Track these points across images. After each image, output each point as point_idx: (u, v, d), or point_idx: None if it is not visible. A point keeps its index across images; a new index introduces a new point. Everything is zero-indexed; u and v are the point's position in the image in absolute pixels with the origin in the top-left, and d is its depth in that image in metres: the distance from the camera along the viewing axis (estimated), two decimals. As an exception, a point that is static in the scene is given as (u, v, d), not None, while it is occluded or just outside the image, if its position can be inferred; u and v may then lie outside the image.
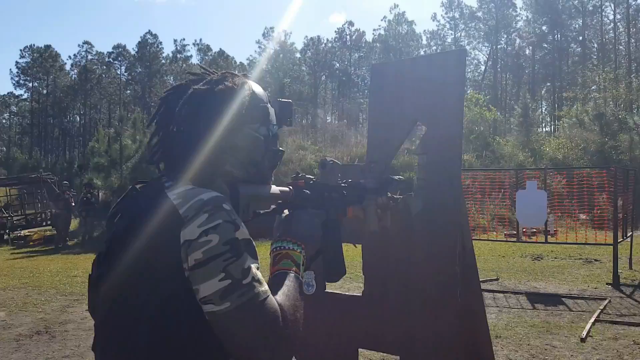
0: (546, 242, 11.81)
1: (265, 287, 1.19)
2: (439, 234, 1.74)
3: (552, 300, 8.42)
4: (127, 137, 19.97)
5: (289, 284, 1.28)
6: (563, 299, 8.54)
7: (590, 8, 55.50)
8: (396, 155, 1.99)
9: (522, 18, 60.28)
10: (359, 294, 2.04)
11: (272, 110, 1.45)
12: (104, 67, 68.75)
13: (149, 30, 74.27)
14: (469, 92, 43.25)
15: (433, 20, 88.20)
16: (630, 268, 11.17)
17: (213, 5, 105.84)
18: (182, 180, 1.28)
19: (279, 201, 1.46)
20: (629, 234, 11.46)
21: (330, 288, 2.09)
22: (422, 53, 61.53)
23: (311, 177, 1.54)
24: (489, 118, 30.56)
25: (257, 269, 1.19)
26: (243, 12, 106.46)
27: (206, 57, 65.46)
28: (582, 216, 17.76)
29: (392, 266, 1.84)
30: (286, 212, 1.47)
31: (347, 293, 2.05)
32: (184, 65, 64.01)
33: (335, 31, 66.21)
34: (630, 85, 35.90)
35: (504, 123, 36.34)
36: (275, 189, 1.45)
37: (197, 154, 1.32)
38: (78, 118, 70.88)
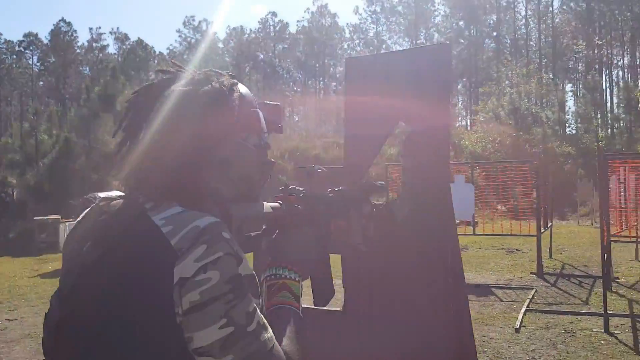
0: (474, 234, 12.20)
1: (271, 332, 1.02)
2: (428, 241, 1.63)
3: (483, 291, 8.66)
4: (43, 131, 18.87)
5: (291, 324, 1.12)
6: (492, 289, 8.81)
7: (504, 4, 57.77)
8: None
9: (439, 13, 61.99)
10: (338, 309, 1.90)
11: (262, 116, 1.25)
12: (14, 56, 64.82)
13: (62, 18, 70.57)
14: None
15: (355, 14, 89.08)
16: (551, 257, 11.71)
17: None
18: (164, 201, 1.05)
19: (268, 220, 1.29)
20: (549, 225, 11.99)
21: (305, 303, 1.94)
22: (345, 46, 62.14)
23: (301, 189, 1.38)
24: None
25: (260, 308, 1.03)
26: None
27: (124, 47, 63.14)
28: (502, 207, 18.53)
29: (377, 278, 1.71)
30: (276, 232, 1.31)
31: (325, 308, 1.91)
32: (101, 54, 61.45)
33: (259, 21, 65.46)
34: (541, 80, 37.75)
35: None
36: (267, 206, 1.27)
37: (178, 170, 1.08)
38: (-15, 111, 66.56)
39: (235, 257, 0.99)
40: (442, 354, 1.62)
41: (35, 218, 15.65)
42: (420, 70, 1.65)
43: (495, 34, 58.20)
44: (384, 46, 60.38)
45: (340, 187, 1.50)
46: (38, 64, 64.97)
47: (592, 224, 19.42)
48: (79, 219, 1.18)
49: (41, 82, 65.41)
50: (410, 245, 1.66)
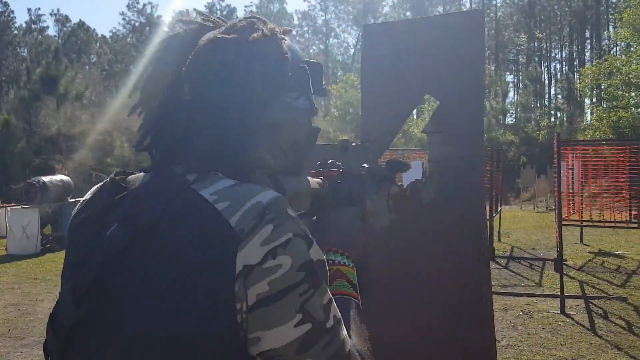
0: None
1: (345, 329, 0.86)
2: (459, 227, 1.52)
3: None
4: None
5: (356, 317, 0.96)
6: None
7: (451, -5, 58.75)
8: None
9: (388, 3, 62.44)
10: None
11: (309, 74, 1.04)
12: (-57, 35, 61.17)
13: (-4, -3, 67.01)
14: (344, 75, 44.18)
15: (304, 1, 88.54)
16: (499, 240, 12.00)
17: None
18: (209, 172, 0.86)
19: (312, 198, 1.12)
20: (499, 209, 12.29)
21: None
22: (294, 32, 61.66)
23: (339, 164, 1.24)
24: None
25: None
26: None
27: (64, 29, 60.57)
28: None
29: (401, 267, 1.59)
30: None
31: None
32: (40, 36, 58.72)
33: (205, 6, 64.02)
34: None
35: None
36: (312, 181, 1.11)
37: (223, 135, 0.90)
38: None
39: (305, 239, 0.81)
40: (466, 341, 1.54)
41: (-28, 204, 14.84)
42: (453, 38, 1.53)
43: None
44: (332, 34, 60.41)
45: (368, 165, 1.36)
46: (-30, 44, 61.55)
47: (534, 208, 20.15)
48: (85, 198, 0.97)
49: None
50: (438, 230, 1.56)
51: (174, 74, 0.95)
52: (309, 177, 1.11)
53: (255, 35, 0.95)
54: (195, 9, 1.10)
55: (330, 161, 1.22)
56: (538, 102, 42.12)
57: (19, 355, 5.50)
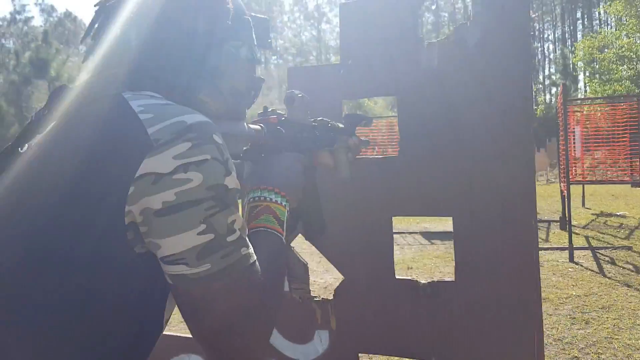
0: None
1: (252, 250, 0.89)
2: (511, 216, 1.49)
3: (446, 236, 8.75)
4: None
5: (272, 246, 0.99)
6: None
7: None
8: None
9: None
10: (450, 279, 1.67)
11: (253, 27, 1.10)
12: None
13: (-19, -11, 66.29)
14: (336, 59, 44.04)
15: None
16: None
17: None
18: (146, 92, 0.91)
19: (250, 143, 1.14)
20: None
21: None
22: (285, 18, 61.46)
23: (282, 112, 1.23)
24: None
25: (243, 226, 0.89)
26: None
27: (50, 19, 60.05)
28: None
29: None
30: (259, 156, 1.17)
31: (437, 280, 1.69)
32: (25, 27, 58.15)
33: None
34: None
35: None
36: (249, 127, 1.12)
37: (165, 77, 0.96)
38: None
39: (224, 166, 0.85)
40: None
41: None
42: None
43: (434, 7, 58.99)
44: (324, 19, 60.15)
45: (323, 118, 1.35)
46: (-44, 36, 60.93)
47: (536, 179, 20.24)
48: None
49: (-40, 57, 61.53)
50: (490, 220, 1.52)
51: (122, 21, 1.00)
52: (246, 123, 1.11)
53: None
54: None
55: (270, 109, 1.22)
56: (533, 79, 42.29)
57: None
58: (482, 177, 1.53)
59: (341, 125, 1.39)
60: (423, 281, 1.62)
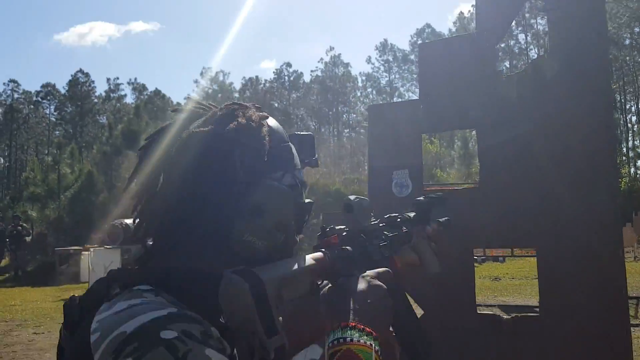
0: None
1: None
2: (602, 329, 1.49)
3: (525, 310, 8.37)
4: (64, 166, 18.98)
5: None
6: (535, 308, 8.51)
7: (516, 50, 58.60)
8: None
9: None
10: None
11: (295, 151, 1.04)
12: (32, 106, 66.12)
13: (80, 69, 72.20)
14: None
15: (368, 63, 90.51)
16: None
17: (144, 48, 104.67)
18: (133, 287, 0.83)
19: (314, 277, 0.97)
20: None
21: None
22: (358, 94, 62.90)
23: (342, 227, 1.08)
24: (432, 150, 31.18)
25: None
26: (177, 53, 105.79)
27: (141, 97, 64.28)
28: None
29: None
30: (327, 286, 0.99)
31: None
32: (118, 104, 62.55)
33: (274, 72, 66.58)
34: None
35: (446, 155, 37.18)
36: (309, 259, 0.97)
37: (204, 224, 0.92)
38: (2, 160, 67.46)
39: None
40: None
41: (56, 249, 15.52)
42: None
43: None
44: (396, 93, 61.10)
45: (389, 215, 1.20)
46: (55, 113, 66.16)
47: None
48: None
49: (57, 132, 66.44)
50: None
51: (165, 168, 0.98)
52: (305, 255, 0.98)
53: (231, 125, 0.96)
54: (189, 96, 1.14)
55: (328, 228, 1.08)
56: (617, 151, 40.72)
57: None
58: (566, 208, 1.51)
59: (412, 215, 1.24)
60: (506, 316, 1.59)
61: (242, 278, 0.77)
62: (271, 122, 1.02)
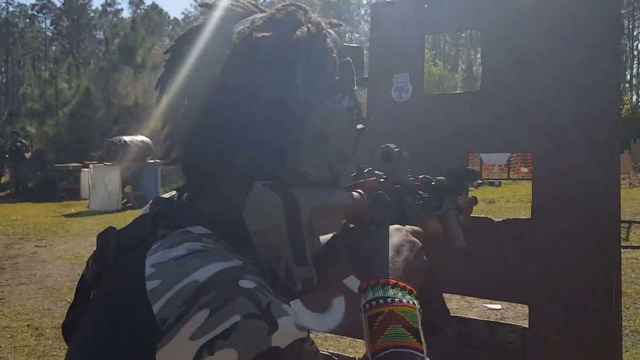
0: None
1: None
2: (592, 230, 1.46)
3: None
4: (62, 81, 18.75)
5: None
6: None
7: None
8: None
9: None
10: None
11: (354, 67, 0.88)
12: (27, 20, 64.57)
13: (76, -18, 69.94)
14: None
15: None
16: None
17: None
18: (181, 229, 0.72)
19: (347, 216, 0.89)
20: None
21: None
22: (362, 12, 61.29)
23: (380, 172, 0.98)
24: (435, 73, 30.56)
25: None
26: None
27: (138, 11, 62.62)
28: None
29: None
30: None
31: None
32: (115, 19, 60.94)
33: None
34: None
35: (450, 79, 36.64)
36: (347, 195, 0.88)
37: (260, 150, 0.76)
38: (-1, 76, 66.62)
39: (265, 319, 0.61)
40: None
41: (56, 165, 15.60)
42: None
43: None
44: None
45: (425, 175, 1.13)
46: (51, 27, 64.71)
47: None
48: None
49: (54, 47, 65.20)
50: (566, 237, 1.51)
51: (202, 78, 0.81)
52: (343, 191, 0.89)
53: (299, 34, 0.79)
54: (186, 10, 0.94)
55: (366, 170, 0.97)
56: (621, 77, 40.24)
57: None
58: (565, 113, 1.50)
59: (445, 182, 1.16)
60: (497, 219, 1.62)
61: (276, 192, 0.69)
62: (333, 34, 0.86)
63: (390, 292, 0.75)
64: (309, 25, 0.81)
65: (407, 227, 0.90)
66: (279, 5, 0.85)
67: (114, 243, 0.75)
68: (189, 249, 0.67)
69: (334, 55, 0.81)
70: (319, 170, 0.81)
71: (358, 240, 0.88)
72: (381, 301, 0.74)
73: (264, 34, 0.78)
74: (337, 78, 0.81)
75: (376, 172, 0.97)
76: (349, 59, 0.85)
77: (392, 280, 0.77)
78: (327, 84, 0.81)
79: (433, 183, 1.12)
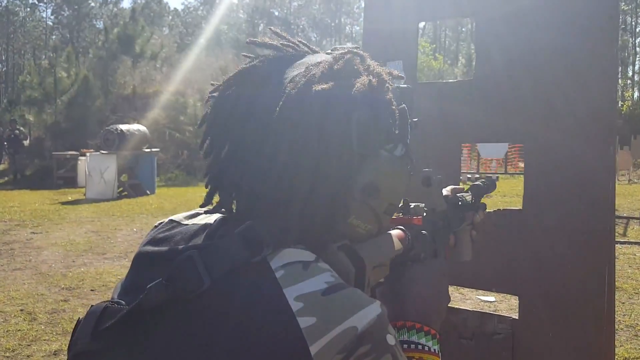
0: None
1: None
2: (585, 222, 1.43)
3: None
4: (61, 70, 18.69)
5: None
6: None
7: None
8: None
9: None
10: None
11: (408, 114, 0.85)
12: (28, 9, 64.33)
13: (76, -29, 69.55)
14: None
15: None
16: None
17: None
18: (284, 246, 0.70)
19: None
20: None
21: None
22: (363, 4, 60.97)
23: (421, 205, 0.99)
24: (435, 67, 30.48)
25: None
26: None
27: (138, 1, 62.39)
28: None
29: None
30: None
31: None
32: (115, 8, 60.70)
33: (275, -20, 64.22)
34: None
35: (449, 73, 36.61)
36: (396, 241, 0.86)
37: (312, 199, 0.74)
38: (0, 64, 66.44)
39: None
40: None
41: (54, 153, 15.58)
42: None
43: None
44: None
45: (454, 186, 1.16)
46: (52, 17, 64.51)
47: (616, 181, 19.35)
48: (163, 222, 0.84)
49: (54, 36, 64.99)
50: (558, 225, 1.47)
51: (251, 124, 0.78)
52: (392, 235, 0.87)
53: (359, 85, 0.76)
54: (270, 29, 0.89)
55: (413, 205, 0.96)
56: (621, 72, 40.16)
57: (102, 265, 5.77)
58: (559, 104, 1.48)
59: (470, 199, 1.17)
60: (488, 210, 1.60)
61: (349, 258, 0.72)
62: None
63: (423, 340, 0.81)
64: (370, 76, 0.79)
65: (437, 263, 0.93)
66: (337, 53, 0.82)
67: (203, 269, 0.68)
68: (327, 282, 0.67)
69: (394, 107, 0.79)
70: (365, 222, 0.80)
71: (394, 276, 0.88)
72: (412, 346, 0.80)
73: (322, 86, 0.75)
74: (397, 132, 0.79)
75: (420, 206, 0.98)
76: (404, 106, 0.82)
77: (420, 325, 0.82)
78: (384, 136, 0.79)
79: (460, 203, 1.13)
